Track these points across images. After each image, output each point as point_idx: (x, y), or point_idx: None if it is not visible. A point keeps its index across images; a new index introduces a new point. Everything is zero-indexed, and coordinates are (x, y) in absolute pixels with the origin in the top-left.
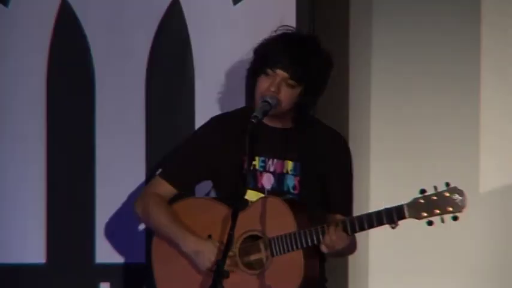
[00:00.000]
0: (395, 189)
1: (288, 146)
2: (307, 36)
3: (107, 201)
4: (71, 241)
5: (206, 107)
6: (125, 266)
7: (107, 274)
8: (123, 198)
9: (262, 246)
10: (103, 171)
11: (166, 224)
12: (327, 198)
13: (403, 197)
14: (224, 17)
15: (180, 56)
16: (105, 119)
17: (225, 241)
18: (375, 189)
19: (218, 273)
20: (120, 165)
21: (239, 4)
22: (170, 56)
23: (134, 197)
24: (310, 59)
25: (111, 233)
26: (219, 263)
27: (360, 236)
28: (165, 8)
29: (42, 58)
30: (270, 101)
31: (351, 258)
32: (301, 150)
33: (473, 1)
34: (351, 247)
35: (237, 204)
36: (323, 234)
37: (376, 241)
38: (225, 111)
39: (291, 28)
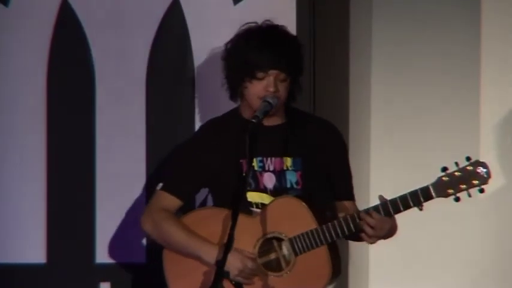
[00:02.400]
0: (395, 187)
1: (283, 143)
2: (273, 26)
3: (107, 201)
4: (71, 241)
5: (206, 107)
6: (125, 266)
7: (107, 274)
8: (123, 198)
9: (283, 246)
10: (103, 171)
11: (182, 239)
12: (333, 187)
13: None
14: (224, 17)
15: (180, 56)
16: (105, 119)
17: (243, 246)
18: (375, 189)
19: (218, 273)
20: (120, 165)
21: (239, 4)
22: (170, 56)
23: (134, 197)
24: (292, 49)
25: (111, 232)
26: (219, 264)
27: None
28: (165, 8)
29: (42, 58)
30: (271, 101)
31: (351, 258)
32: (297, 145)
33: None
34: (393, 229)
35: (238, 204)
36: (355, 224)
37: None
38: (225, 111)
39: (252, 23)
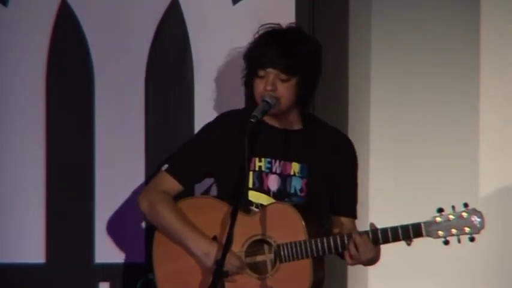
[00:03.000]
0: (395, 188)
1: (294, 148)
2: (288, 28)
3: (107, 201)
4: (71, 241)
5: (206, 107)
6: (125, 266)
7: (106, 274)
8: (122, 197)
9: (270, 251)
10: (102, 171)
11: (175, 224)
12: (333, 201)
13: (402, 196)
14: (224, 17)
15: (179, 56)
16: (104, 119)
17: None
18: (375, 188)
19: (217, 273)
20: (119, 165)
21: (239, 4)
22: (170, 56)
23: (134, 196)
24: (296, 49)
25: (110, 232)
26: (219, 263)
27: None
28: (165, 8)
29: (42, 58)
30: (269, 100)
31: None
32: (308, 152)
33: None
34: (375, 259)
35: (237, 204)
36: (343, 245)
37: None
38: (225, 111)
39: (273, 25)
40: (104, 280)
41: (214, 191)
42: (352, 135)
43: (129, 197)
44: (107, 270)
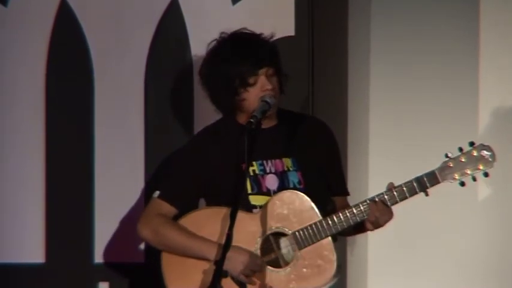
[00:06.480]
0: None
1: (280, 144)
2: (239, 32)
3: (106, 201)
4: (70, 241)
5: (205, 107)
6: (124, 266)
7: (105, 274)
8: (122, 197)
9: (281, 245)
10: (102, 171)
11: (184, 241)
12: (327, 183)
13: None
14: (223, 17)
15: (179, 56)
16: (104, 119)
17: (244, 244)
18: (374, 188)
19: (217, 273)
20: (119, 165)
21: (238, 4)
22: (169, 56)
23: (133, 196)
24: (265, 44)
25: (110, 232)
26: (219, 263)
27: (359, 235)
28: (164, 8)
29: (42, 58)
30: (268, 100)
31: (350, 258)
32: (293, 145)
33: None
34: (391, 217)
35: (237, 204)
36: (365, 212)
37: (375, 241)
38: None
39: (224, 34)
40: (104, 280)
41: (202, 204)
42: (352, 135)
43: (128, 197)
44: (106, 270)
